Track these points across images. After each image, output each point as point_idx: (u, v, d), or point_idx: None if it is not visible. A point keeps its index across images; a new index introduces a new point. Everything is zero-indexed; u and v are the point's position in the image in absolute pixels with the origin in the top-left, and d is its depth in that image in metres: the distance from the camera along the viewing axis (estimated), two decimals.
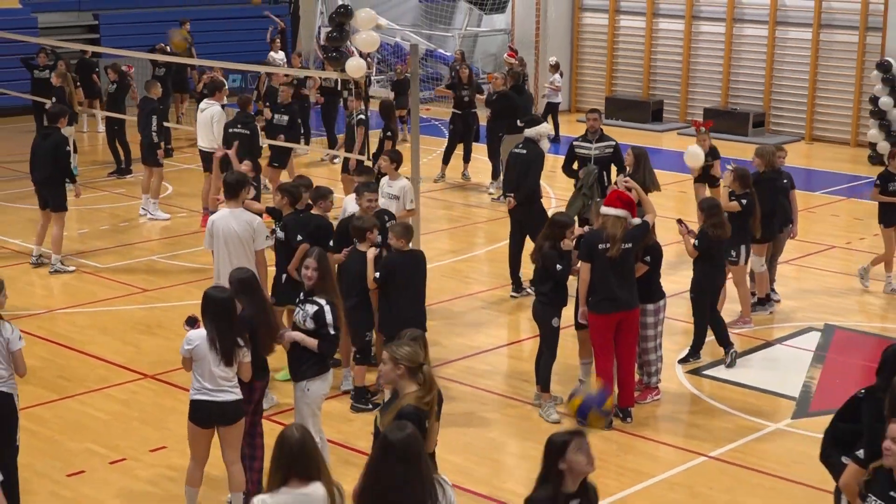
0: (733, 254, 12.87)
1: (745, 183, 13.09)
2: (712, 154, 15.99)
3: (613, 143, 15.15)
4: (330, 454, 9.50)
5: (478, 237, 17.96)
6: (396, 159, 12.96)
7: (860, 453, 6.73)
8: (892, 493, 6.20)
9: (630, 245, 10.61)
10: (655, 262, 11.11)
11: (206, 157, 17.12)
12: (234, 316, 8.67)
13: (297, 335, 9.14)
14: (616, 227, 10.53)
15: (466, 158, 20.88)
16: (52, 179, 15.00)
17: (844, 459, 6.99)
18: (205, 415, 8.67)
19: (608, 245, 10.43)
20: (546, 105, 24.22)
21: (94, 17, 28.88)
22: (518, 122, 16.29)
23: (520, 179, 14.49)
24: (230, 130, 16.34)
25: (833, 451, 7.30)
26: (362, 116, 17.05)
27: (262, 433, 9.28)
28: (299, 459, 6.48)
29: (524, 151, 14.74)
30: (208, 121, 16.97)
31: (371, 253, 10.74)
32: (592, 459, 6.02)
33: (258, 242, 11.10)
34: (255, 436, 9.26)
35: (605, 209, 10.74)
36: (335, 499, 6.49)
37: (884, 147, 22.17)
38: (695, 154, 17.08)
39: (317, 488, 6.42)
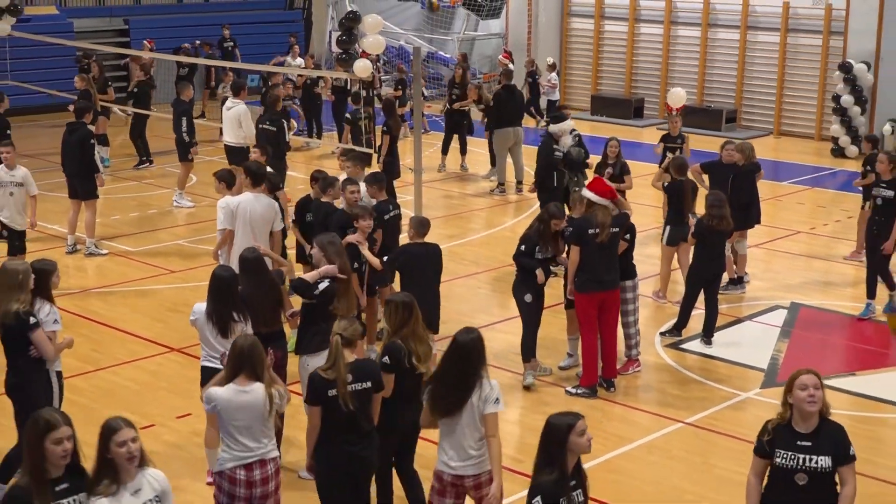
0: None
1: (681, 172, 13.38)
2: (681, 138, 15.95)
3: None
4: None
5: (474, 223, 17.95)
6: (225, 178, 12.42)
7: None
8: (799, 443, 6.23)
9: (617, 230, 10.68)
10: (633, 241, 11.21)
11: (231, 151, 17.07)
12: (235, 294, 8.73)
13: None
14: (605, 215, 10.61)
15: (462, 151, 20.89)
16: (80, 170, 15.03)
17: None
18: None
19: (597, 231, 10.47)
20: (547, 102, 24.30)
21: (124, 21, 28.90)
22: (544, 118, 16.15)
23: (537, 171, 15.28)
24: (260, 126, 16.39)
25: None
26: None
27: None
28: (248, 360, 7.05)
29: (539, 145, 15.26)
30: (235, 118, 16.94)
31: (355, 238, 10.58)
32: (590, 439, 5.97)
33: (276, 224, 11.29)
34: None
35: (594, 198, 10.77)
36: (273, 399, 7.06)
37: (845, 141, 22.24)
38: (677, 94, 17.45)
39: (258, 388, 7.01)
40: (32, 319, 8.25)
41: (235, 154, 16.58)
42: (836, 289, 14.67)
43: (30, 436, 5.59)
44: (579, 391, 10.82)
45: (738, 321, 13.24)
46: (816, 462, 6.19)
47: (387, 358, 7.62)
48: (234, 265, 10.41)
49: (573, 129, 15.27)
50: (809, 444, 6.22)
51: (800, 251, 16.18)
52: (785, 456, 6.28)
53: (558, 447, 5.91)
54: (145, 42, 24.45)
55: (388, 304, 7.92)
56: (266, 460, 7.29)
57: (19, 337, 8.27)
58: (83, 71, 22.04)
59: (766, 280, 14.74)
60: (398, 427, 7.82)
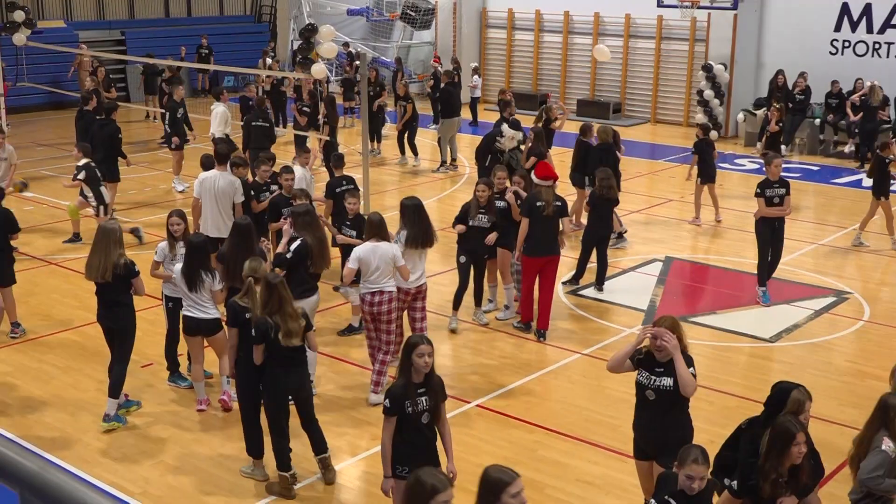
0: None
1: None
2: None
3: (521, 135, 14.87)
4: (317, 364, 9.50)
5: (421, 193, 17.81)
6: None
7: (734, 484, 6.10)
8: (655, 369, 6.40)
9: (559, 204, 10.70)
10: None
11: (215, 140, 16.59)
12: (206, 255, 8.79)
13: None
14: (549, 193, 10.64)
15: (378, 139, 20.72)
16: (108, 158, 14.80)
17: (727, 482, 6.17)
18: (193, 326, 8.86)
19: (544, 205, 10.43)
20: (471, 99, 24.23)
21: (121, 33, 28.31)
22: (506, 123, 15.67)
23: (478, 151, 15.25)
24: (253, 124, 16.11)
25: (719, 476, 6.13)
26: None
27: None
28: (377, 229, 8.89)
29: (487, 133, 15.26)
30: (215, 116, 16.71)
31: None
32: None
33: (237, 197, 11.32)
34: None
35: (539, 181, 10.79)
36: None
37: (705, 128, 22.41)
38: (601, 50, 17.39)
39: (386, 245, 8.87)
40: (137, 268, 8.65)
41: (218, 142, 16.26)
42: (701, 245, 14.87)
43: (414, 499, 4.82)
44: (520, 325, 10.96)
45: (624, 272, 13.35)
46: (662, 382, 6.35)
47: (254, 332, 7.36)
48: (205, 228, 11.07)
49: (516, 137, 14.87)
50: (662, 370, 6.37)
51: (671, 215, 16.32)
52: (643, 374, 6.46)
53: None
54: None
55: (261, 283, 7.65)
56: (387, 292, 8.85)
57: (125, 280, 8.57)
58: (92, 74, 21.69)
59: (645, 239, 14.87)
60: (280, 391, 7.49)
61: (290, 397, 7.58)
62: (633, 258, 13.95)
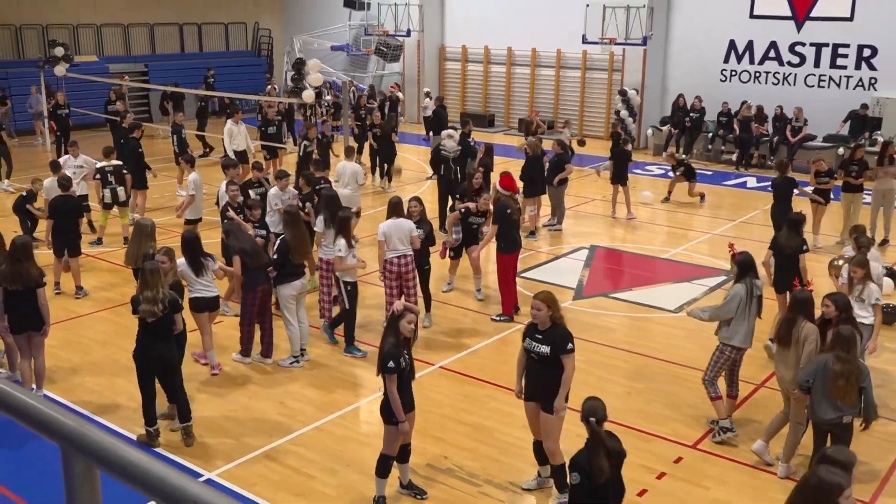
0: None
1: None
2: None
3: (460, 147, 14.62)
4: (308, 335, 9.46)
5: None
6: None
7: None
8: (536, 336, 6.36)
9: (518, 208, 10.78)
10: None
11: (234, 155, 16.27)
12: (199, 246, 8.65)
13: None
14: (514, 201, 10.72)
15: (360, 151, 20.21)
16: (136, 169, 14.52)
17: None
18: (202, 304, 8.71)
19: (511, 211, 10.36)
20: (424, 118, 24.14)
21: (144, 65, 27.81)
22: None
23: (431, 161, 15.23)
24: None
25: None
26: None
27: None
28: (399, 208, 9.27)
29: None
30: (227, 133, 16.54)
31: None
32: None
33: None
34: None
35: (502, 190, 10.79)
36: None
37: (624, 140, 22.57)
38: (645, 196, 16.78)
39: (403, 220, 9.27)
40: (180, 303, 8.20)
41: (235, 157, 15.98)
42: (620, 235, 14.93)
43: (822, 498, 4.05)
44: (501, 318, 10.55)
45: (557, 258, 13.39)
46: (540, 349, 6.31)
47: (131, 306, 7.29)
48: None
49: (457, 139, 14.73)
50: (541, 337, 6.33)
51: (595, 211, 16.39)
52: (527, 341, 6.43)
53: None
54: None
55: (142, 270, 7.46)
56: (408, 255, 9.26)
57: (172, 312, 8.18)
58: (120, 98, 21.36)
59: (574, 230, 14.92)
60: (148, 356, 7.28)
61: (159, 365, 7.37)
62: (563, 247, 13.98)
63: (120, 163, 13.66)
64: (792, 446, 7.03)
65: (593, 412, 5.25)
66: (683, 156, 17.42)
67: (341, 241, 8.91)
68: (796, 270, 9.11)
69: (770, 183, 12.99)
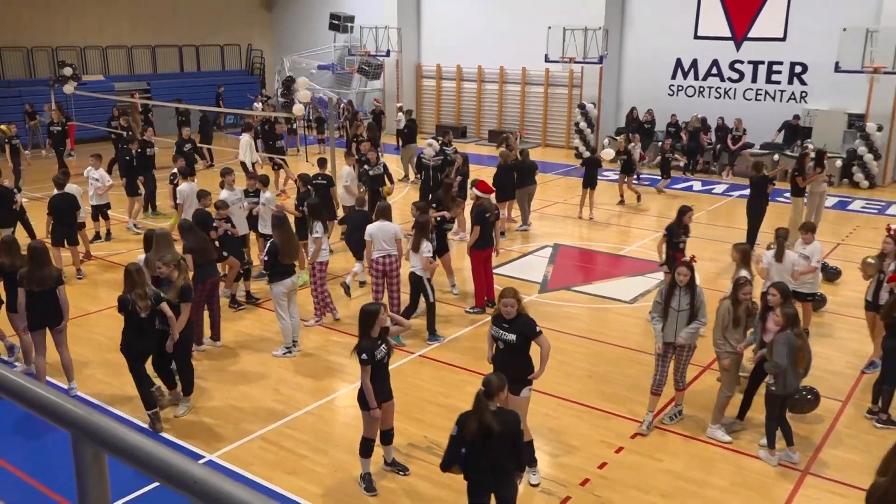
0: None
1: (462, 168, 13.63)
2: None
3: (443, 157, 14.62)
4: (300, 329, 9.40)
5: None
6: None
7: None
8: (502, 325, 6.34)
9: (497, 212, 10.72)
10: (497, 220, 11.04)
11: (245, 167, 16.07)
12: (170, 245, 8.45)
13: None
14: (491, 204, 10.61)
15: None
16: (129, 179, 14.39)
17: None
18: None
19: (490, 214, 10.35)
20: (397, 130, 24.00)
21: (147, 83, 27.50)
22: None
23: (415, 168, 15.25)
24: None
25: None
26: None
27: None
28: (387, 213, 8.91)
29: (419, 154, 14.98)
30: (244, 145, 16.43)
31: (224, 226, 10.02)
32: None
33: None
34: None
35: (480, 194, 10.73)
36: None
37: (582, 149, 22.70)
38: (606, 152, 17.02)
39: (389, 224, 9.06)
40: (182, 262, 8.03)
41: (247, 169, 15.75)
42: (582, 234, 14.96)
43: None
44: (474, 310, 10.55)
45: (524, 255, 13.40)
46: (507, 336, 6.29)
47: (118, 305, 7.24)
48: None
49: (437, 148, 14.68)
50: (507, 326, 6.31)
51: (558, 213, 16.43)
52: (494, 329, 6.40)
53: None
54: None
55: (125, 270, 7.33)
56: (392, 255, 9.23)
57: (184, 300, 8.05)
58: (124, 114, 21.10)
59: (539, 230, 14.95)
60: (133, 350, 7.30)
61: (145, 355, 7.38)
62: (530, 245, 14.00)
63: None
64: (721, 409, 7.32)
65: (485, 383, 5.24)
66: (631, 144, 17.39)
67: (426, 244, 9.19)
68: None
69: (749, 181, 13.26)
